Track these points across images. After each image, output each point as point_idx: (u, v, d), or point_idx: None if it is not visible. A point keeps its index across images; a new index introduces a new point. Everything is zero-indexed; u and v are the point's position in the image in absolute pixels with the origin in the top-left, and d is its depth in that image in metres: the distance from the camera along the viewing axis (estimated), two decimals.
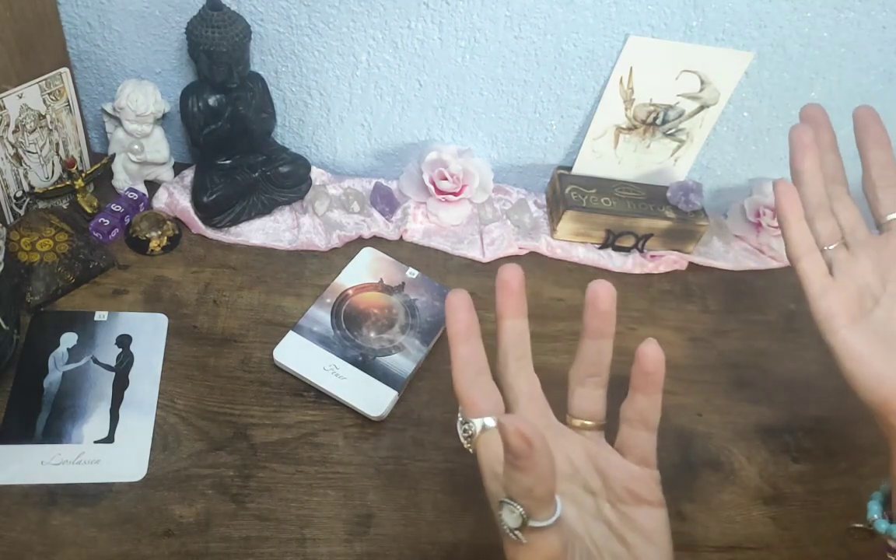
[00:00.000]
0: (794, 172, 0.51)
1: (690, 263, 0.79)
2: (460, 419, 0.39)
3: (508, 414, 0.35)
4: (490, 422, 0.37)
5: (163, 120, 0.72)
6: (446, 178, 0.75)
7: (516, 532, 0.33)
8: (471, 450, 0.38)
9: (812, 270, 0.49)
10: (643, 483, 0.40)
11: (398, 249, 0.74)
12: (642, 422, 0.41)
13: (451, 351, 0.39)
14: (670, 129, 0.77)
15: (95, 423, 0.56)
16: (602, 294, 0.40)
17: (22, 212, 0.68)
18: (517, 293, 0.41)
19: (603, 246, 0.78)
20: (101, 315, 0.62)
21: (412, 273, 0.70)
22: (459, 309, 0.39)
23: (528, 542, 0.33)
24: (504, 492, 0.33)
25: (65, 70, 0.65)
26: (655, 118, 0.76)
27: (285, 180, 0.73)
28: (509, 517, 0.33)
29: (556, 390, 0.66)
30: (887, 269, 0.48)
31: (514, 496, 0.32)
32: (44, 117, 0.66)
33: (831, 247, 0.49)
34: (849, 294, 0.47)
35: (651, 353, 0.40)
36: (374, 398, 0.59)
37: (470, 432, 0.38)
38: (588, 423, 0.41)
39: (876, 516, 0.46)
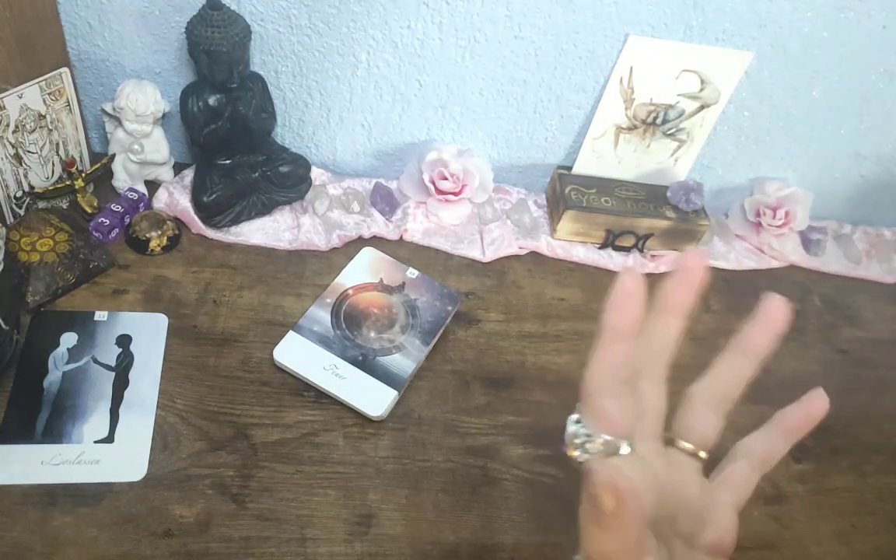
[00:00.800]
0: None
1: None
2: (579, 423, 0.32)
3: (604, 465, 0.28)
4: (625, 448, 0.31)
5: (163, 120, 0.72)
6: (446, 178, 0.74)
7: None
8: (579, 461, 0.31)
9: None
10: (730, 532, 0.34)
11: (398, 249, 0.74)
12: (764, 463, 0.35)
13: (602, 342, 0.31)
14: (670, 128, 0.77)
15: (95, 423, 0.56)
16: (693, 265, 0.34)
17: (22, 212, 0.68)
18: (695, 284, 0.34)
19: (603, 246, 0.78)
20: (101, 315, 0.62)
21: (412, 273, 0.70)
22: (631, 298, 0.31)
23: None
24: (583, 547, 0.28)
25: (65, 70, 0.65)
26: (655, 118, 0.76)
27: (285, 180, 0.73)
28: None
29: (558, 390, 0.66)
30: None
31: (593, 555, 0.28)
32: (44, 117, 0.66)
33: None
34: None
35: (819, 401, 0.35)
36: (374, 398, 0.59)
37: (590, 448, 0.31)
38: (691, 447, 0.34)
39: None
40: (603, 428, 0.31)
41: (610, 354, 0.31)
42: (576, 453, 0.31)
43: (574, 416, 0.32)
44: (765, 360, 0.36)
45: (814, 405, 0.35)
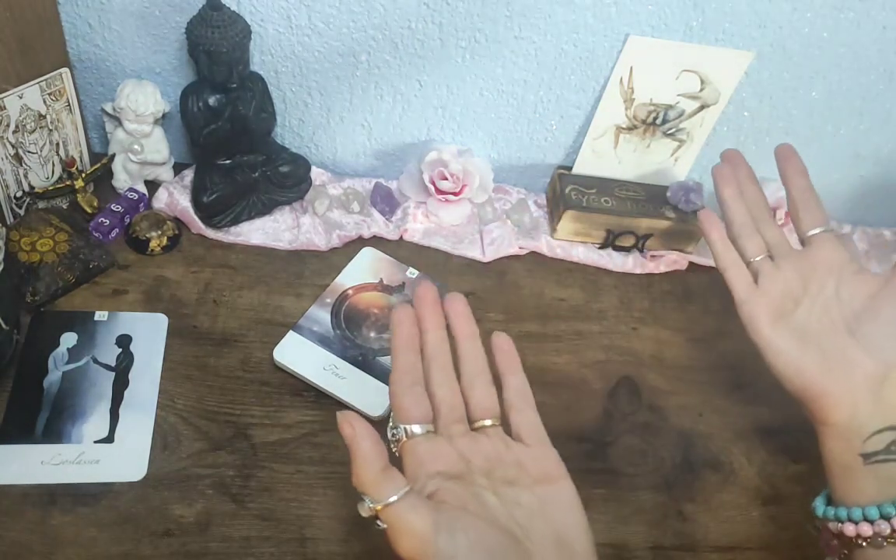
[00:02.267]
0: (719, 201, 0.59)
1: (691, 263, 0.79)
2: (390, 424, 0.43)
3: (344, 411, 0.40)
4: (417, 428, 0.41)
5: (163, 120, 0.72)
6: (446, 178, 0.75)
7: (377, 522, 0.38)
8: (397, 453, 0.42)
9: (736, 279, 0.55)
10: (548, 462, 0.43)
11: (398, 249, 0.74)
12: (524, 400, 0.45)
13: (392, 360, 0.44)
14: (670, 128, 0.77)
15: (95, 423, 0.56)
16: (456, 305, 0.47)
17: (22, 212, 0.68)
18: (433, 304, 0.46)
19: (603, 246, 0.78)
20: (101, 315, 0.62)
21: (412, 273, 0.70)
22: (403, 323, 0.44)
23: (388, 525, 0.38)
24: (355, 489, 0.39)
25: (65, 70, 0.65)
26: (655, 118, 0.76)
27: (285, 180, 0.73)
28: (362, 509, 0.38)
29: (558, 390, 0.66)
30: (808, 275, 0.54)
31: (357, 486, 0.39)
32: (44, 117, 0.66)
33: (757, 259, 0.56)
34: (770, 298, 0.54)
35: (503, 339, 0.47)
36: (374, 398, 0.59)
37: (398, 437, 0.42)
38: (486, 422, 0.44)
39: (818, 502, 0.50)
40: (401, 419, 0.42)
41: (398, 366, 0.43)
42: (392, 448, 0.42)
43: (389, 424, 0.43)
44: (475, 336, 0.47)
45: (501, 342, 0.47)
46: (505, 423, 0.45)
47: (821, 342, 0.51)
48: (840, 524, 0.46)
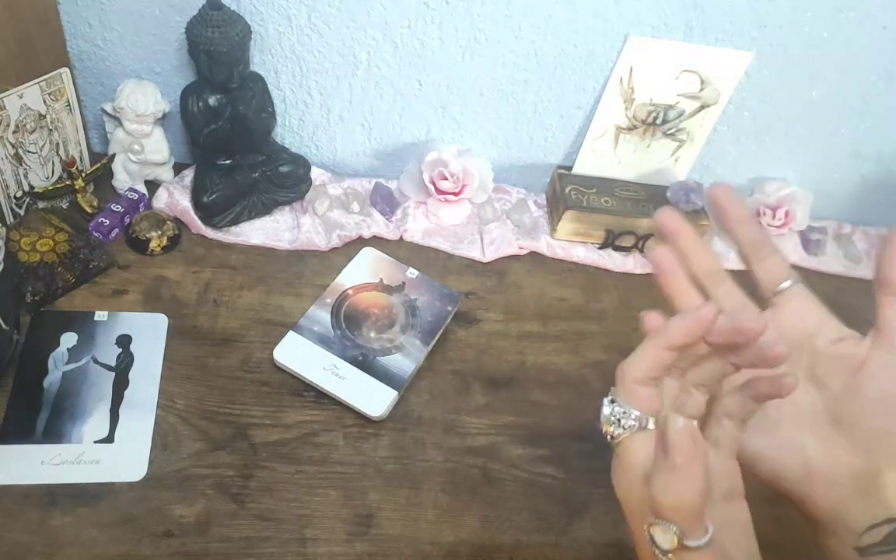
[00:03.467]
0: (663, 291, 0.50)
1: None
2: (614, 402, 0.36)
3: (677, 415, 0.33)
4: (652, 423, 0.35)
5: (163, 120, 0.72)
6: (446, 178, 0.74)
7: (669, 555, 0.32)
8: (613, 437, 0.36)
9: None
10: (737, 476, 0.39)
11: (398, 249, 0.74)
12: (745, 413, 0.40)
13: (656, 341, 0.36)
14: (670, 128, 0.77)
15: (95, 423, 0.56)
16: (720, 194, 0.43)
17: (22, 212, 0.68)
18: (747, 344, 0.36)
19: (603, 246, 0.78)
20: (101, 315, 0.62)
21: (412, 273, 0.70)
22: (701, 326, 0.35)
23: None
24: (652, 510, 0.32)
25: (65, 70, 0.65)
26: (655, 118, 0.76)
27: (285, 180, 0.73)
28: (663, 538, 0.32)
29: (558, 390, 0.66)
30: None
31: (665, 511, 0.32)
32: (44, 117, 0.66)
33: None
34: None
35: (779, 349, 0.36)
36: (374, 398, 0.59)
37: (625, 423, 0.36)
38: (786, 284, 0.42)
39: None
40: (636, 406, 0.36)
41: (659, 354, 0.36)
42: (611, 429, 0.36)
43: (608, 399, 0.37)
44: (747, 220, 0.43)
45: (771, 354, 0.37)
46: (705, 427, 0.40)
47: (800, 443, 0.44)
48: None
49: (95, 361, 0.59)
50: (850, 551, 0.43)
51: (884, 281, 0.43)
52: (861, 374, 0.42)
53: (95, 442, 0.55)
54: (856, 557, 0.43)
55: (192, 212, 0.71)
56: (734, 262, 0.79)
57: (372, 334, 0.64)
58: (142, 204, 0.71)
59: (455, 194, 0.75)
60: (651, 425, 0.36)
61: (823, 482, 0.44)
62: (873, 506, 0.42)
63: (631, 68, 0.72)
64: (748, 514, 0.39)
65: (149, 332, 0.62)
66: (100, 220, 0.68)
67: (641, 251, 0.78)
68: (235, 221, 0.72)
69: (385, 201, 0.76)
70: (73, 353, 0.59)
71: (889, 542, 0.41)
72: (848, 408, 0.42)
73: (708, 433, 0.39)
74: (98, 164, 0.71)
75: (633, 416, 0.36)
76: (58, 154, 0.69)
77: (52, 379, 0.58)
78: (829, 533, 0.44)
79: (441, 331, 0.65)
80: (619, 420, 0.36)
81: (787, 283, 0.45)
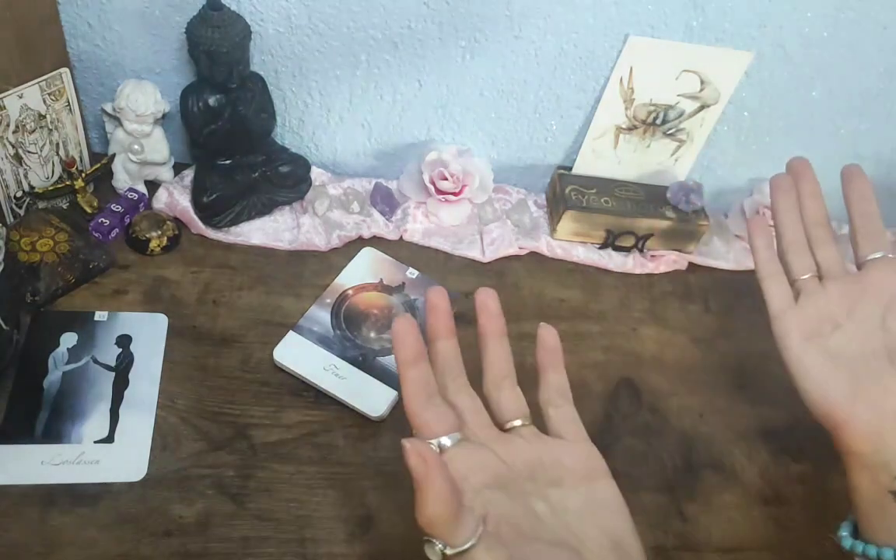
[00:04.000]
0: (772, 210, 0.57)
1: (691, 263, 0.78)
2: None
3: (411, 438, 0.35)
4: (447, 440, 0.38)
5: (163, 120, 0.72)
6: (446, 178, 0.74)
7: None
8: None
9: (774, 291, 0.53)
10: (589, 459, 0.41)
11: (398, 249, 0.74)
12: (563, 397, 0.43)
13: (400, 377, 0.39)
14: (670, 128, 0.77)
15: (95, 423, 0.56)
16: (487, 301, 0.44)
17: (22, 212, 0.68)
18: (445, 314, 0.43)
19: (603, 246, 0.78)
20: (101, 315, 0.62)
21: (412, 273, 0.70)
22: (408, 334, 0.39)
23: None
24: (422, 528, 0.34)
25: (65, 70, 0.65)
26: (655, 118, 0.76)
27: (285, 180, 0.73)
28: (431, 552, 0.34)
29: None
30: (854, 300, 0.51)
31: (426, 527, 0.34)
32: (44, 117, 0.66)
33: (804, 277, 0.53)
34: (806, 316, 0.51)
35: (549, 334, 0.45)
36: (374, 398, 0.59)
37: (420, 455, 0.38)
38: (517, 422, 0.42)
39: (844, 533, 0.47)
40: (426, 436, 0.38)
41: (411, 380, 0.39)
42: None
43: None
44: (504, 335, 0.44)
45: (548, 337, 0.45)
46: (538, 423, 0.42)
47: (855, 368, 0.48)
48: None
49: (95, 361, 0.59)
50: (883, 494, 0.44)
51: None
52: None
53: (95, 442, 0.55)
54: (889, 501, 0.44)
55: (192, 212, 0.71)
56: (734, 262, 0.79)
57: (372, 334, 0.64)
58: (142, 204, 0.71)
59: (455, 194, 0.75)
60: (449, 443, 0.38)
61: (869, 406, 0.46)
62: None
63: (631, 68, 0.72)
64: (615, 490, 0.41)
65: (149, 332, 0.62)
66: (100, 220, 0.68)
67: (641, 251, 0.78)
68: (235, 221, 0.72)
69: (385, 201, 0.76)
70: (73, 353, 0.59)
71: None
72: None
73: (549, 429, 0.43)
74: (98, 164, 0.71)
75: (432, 444, 0.38)
76: (58, 154, 0.69)
77: (52, 379, 0.58)
78: (864, 468, 0.46)
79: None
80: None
81: (878, 255, 0.52)
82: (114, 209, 0.69)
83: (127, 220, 0.70)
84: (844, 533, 0.47)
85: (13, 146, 0.64)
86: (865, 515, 0.46)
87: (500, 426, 0.42)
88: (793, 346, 0.50)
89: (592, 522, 0.38)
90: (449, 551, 0.34)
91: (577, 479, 0.40)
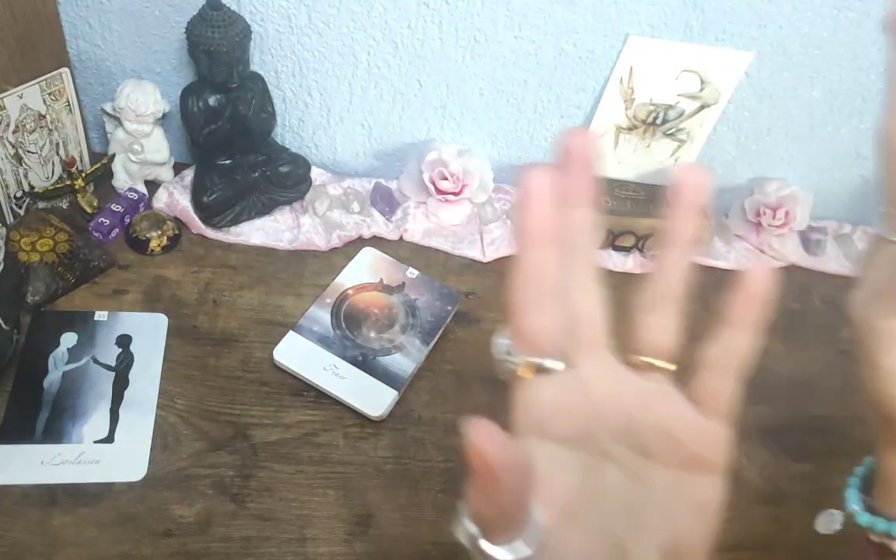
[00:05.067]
0: None
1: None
2: (503, 344, 0.29)
3: (483, 422, 0.25)
4: (548, 363, 0.28)
5: (163, 120, 0.72)
6: (446, 178, 0.74)
7: (477, 549, 0.27)
8: (505, 379, 0.30)
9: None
10: (713, 443, 0.31)
11: (398, 249, 0.74)
12: (729, 365, 0.32)
13: (518, 256, 0.28)
14: (670, 128, 0.77)
15: (95, 423, 0.56)
16: (579, 145, 0.30)
17: (22, 212, 0.68)
18: (586, 165, 0.30)
19: (603, 246, 0.78)
20: (101, 315, 0.62)
21: (412, 273, 0.70)
22: (541, 197, 0.27)
23: None
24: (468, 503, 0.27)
25: (65, 70, 0.65)
26: (655, 118, 0.76)
27: (285, 180, 0.73)
28: (462, 534, 0.28)
29: None
30: None
31: (477, 516, 0.27)
32: (44, 117, 0.66)
33: None
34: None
35: (758, 279, 0.31)
36: (374, 398, 0.59)
37: (513, 366, 0.29)
38: (656, 362, 0.31)
39: (856, 508, 0.43)
40: (524, 348, 0.28)
41: (528, 265, 0.28)
42: (501, 370, 0.29)
43: (499, 341, 0.30)
44: (692, 245, 0.33)
45: (755, 279, 0.31)
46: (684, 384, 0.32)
47: None
48: (890, 539, 0.42)
49: (95, 361, 0.59)
50: None
51: None
52: None
53: (95, 442, 0.55)
54: None
55: (192, 212, 0.71)
56: (734, 262, 0.79)
57: (372, 334, 0.64)
58: (142, 204, 0.71)
59: (455, 194, 0.75)
60: (553, 366, 0.29)
61: None
62: None
63: (631, 68, 0.72)
64: (715, 493, 0.31)
65: (149, 332, 0.62)
66: (100, 220, 0.68)
67: (641, 251, 0.78)
68: (235, 221, 0.72)
69: (385, 201, 0.76)
70: (73, 353, 0.59)
71: None
72: None
73: (690, 390, 0.32)
74: (98, 164, 0.71)
75: (522, 361, 0.29)
76: (58, 154, 0.69)
77: (52, 379, 0.58)
78: None
79: (441, 331, 0.65)
80: (508, 362, 0.29)
81: None
82: (114, 209, 0.69)
83: (127, 220, 0.70)
84: (855, 507, 0.44)
85: (13, 146, 0.64)
86: (890, 495, 0.42)
87: (630, 356, 0.31)
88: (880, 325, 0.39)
89: (662, 513, 0.30)
90: (484, 546, 0.27)
91: (678, 461, 0.30)
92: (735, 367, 0.32)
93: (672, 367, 0.31)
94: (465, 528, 0.27)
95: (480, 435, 0.24)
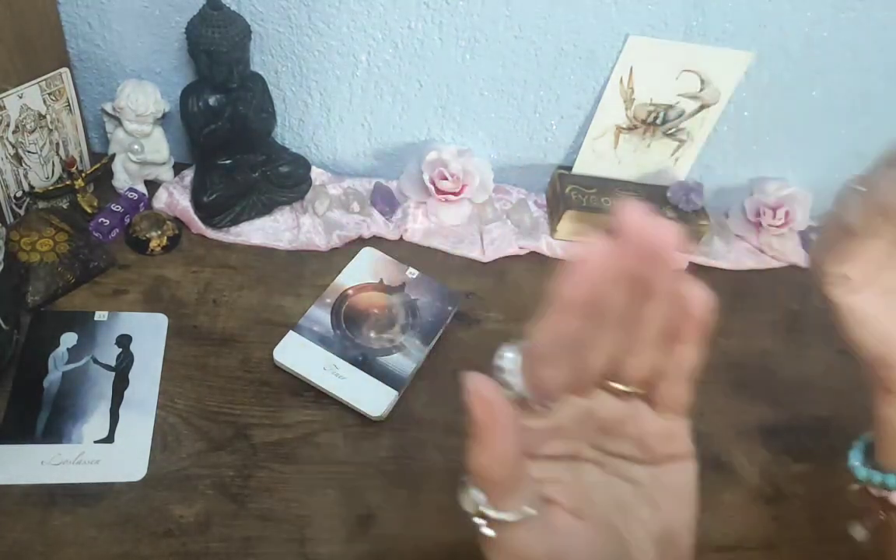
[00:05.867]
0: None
1: (691, 263, 0.78)
2: (508, 358, 0.31)
3: (481, 376, 0.28)
4: (550, 404, 0.31)
5: (163, 120, 0.72)
6: (446, 178, 0.74)
7: (476, 520, 0.30)
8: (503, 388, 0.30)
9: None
10: (676, 436, 0.35)
11: (398, 249, 0.74)
12: (681, 374, 0.34)
13: (551, 308, 0.28)
14: (670, 128, 0.77)
15: (95, 423, 0.56)
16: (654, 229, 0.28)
17: (22, 212, 0.68)
18: (656, 249, 0.29)
19: None
20: (101, 315, 0.62)
21: (412, 273, 0.70)
22: (591, 267, 0.28)
23: (494, 537, 0.29)
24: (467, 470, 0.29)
25: (65, 70, 0.65)
26: (655, 118, 0.76)
27: (285, 180, 0.73)
28: (465, 500, 0.30)
29: None
30: None
31: (474, 474, 0.29)
32: (44, 117, 0.66)
33: None
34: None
35: (699, 300, 0.31)
36: (374, 398, 0.59)
37: (511, 393, 0.30)
38: (630, 389, 0.33)
39: (857, 463, 0.46)
40: (533, 389, 0.29)
41: (553, 325, 0.28)
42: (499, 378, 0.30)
43: (509, 351, 0.31)
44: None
45: (695, 300, 0.31)
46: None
47: None
48: (887, 490, 0.43)
49: (95, 361, 0.59)
50: None
51: None
52: None
53: (95, 442, 0.55)
54: None
55: (192, 212, 0.71)
56: (734, 262, 0.79)
57: (372, 334, 0.64)
58: (142, 204, 0.71)
59: (455, 194, 0.75)
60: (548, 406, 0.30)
61: None
62: None
63: (631, 68, 0.72)
64: (689, 477, 0.35)
65: (149, 332, 0.62)
66: (100, 220, 0.68)
67: None
68: (235, 221, 0.72)
69: (385, 201, 0.76)
70: (73, 353, 0.59)
71: None
72: None
73: (651, 397, 0.34)
74: (98, 164, 0.71)
75: (517, 388, 0.30)
76: (58, 154, 0.69)
77: (52, 379, 0.58)
78: None
79: (441, 331, 0.65)
80: (507, 381, 0.30)
81: None
82: (114, 209, 0.69)
83: (127, 220, 0.70)
84: (856, 463, 0.46)
85: (13, 146, 0.64)
86: (890, 446, 0.44)
87: (608, 385, 0.32)
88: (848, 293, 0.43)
89: (649, 503, 0.33)
90: (488, 511, 0.29)
91: (653, 459, 0.34)
92: (686, 375, 0.35)
93: (642, 391, 0.33)
94: (471, 497, 0.29)
95: (480, 383, 0.27)
